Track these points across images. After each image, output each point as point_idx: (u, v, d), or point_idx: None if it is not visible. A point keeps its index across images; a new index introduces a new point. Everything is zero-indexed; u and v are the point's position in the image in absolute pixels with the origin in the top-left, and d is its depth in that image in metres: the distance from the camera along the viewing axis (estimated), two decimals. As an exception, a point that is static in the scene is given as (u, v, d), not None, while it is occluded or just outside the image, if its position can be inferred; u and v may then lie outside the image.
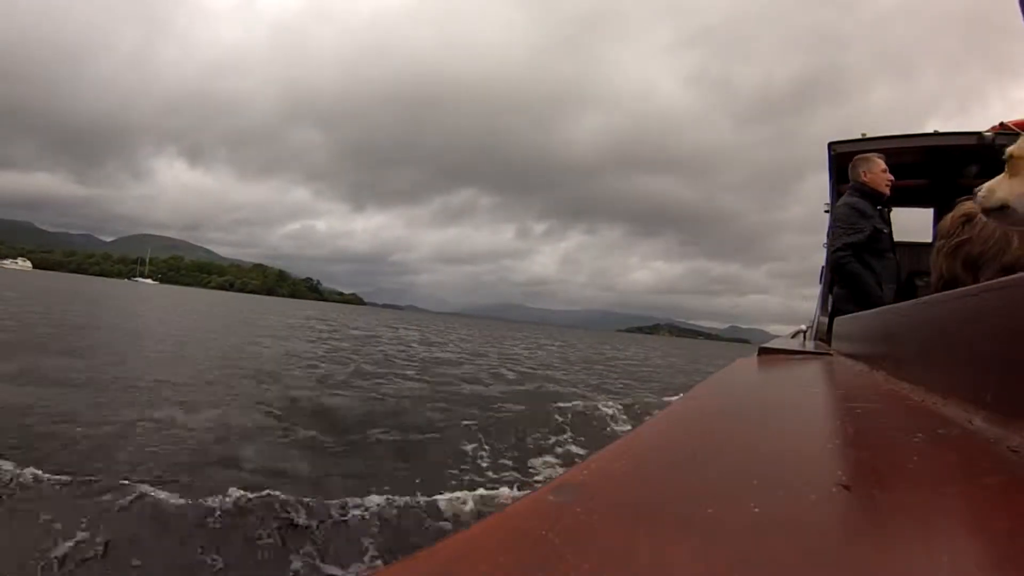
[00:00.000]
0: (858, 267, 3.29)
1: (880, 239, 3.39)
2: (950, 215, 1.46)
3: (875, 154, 3.50)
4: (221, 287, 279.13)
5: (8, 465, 3.48)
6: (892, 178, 3.41)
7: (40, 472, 3.47)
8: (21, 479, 3.35)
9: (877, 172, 3.43)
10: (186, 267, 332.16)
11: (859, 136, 4.01)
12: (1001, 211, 0.94)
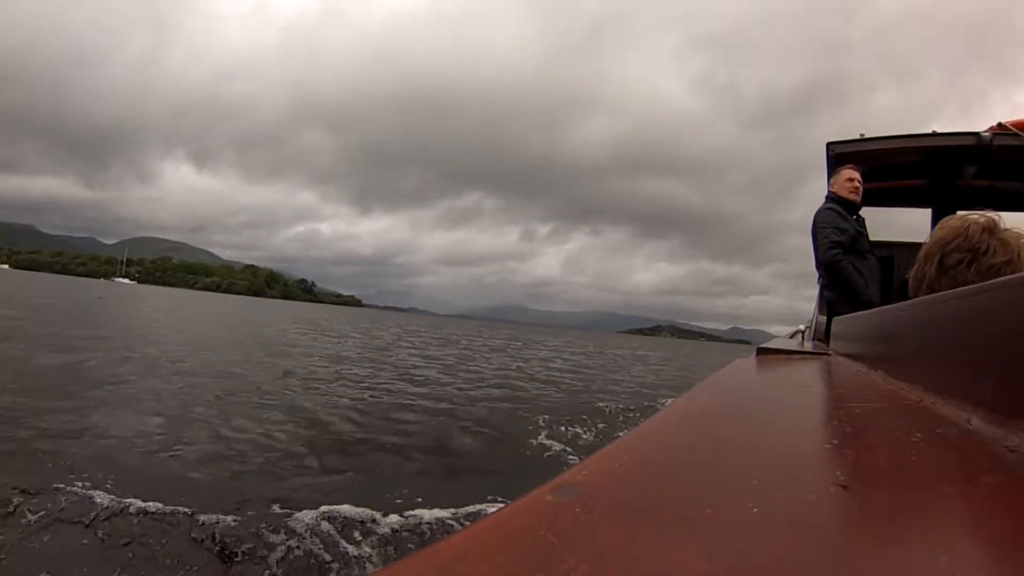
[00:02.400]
0: (850, 266, 3.39)
1: (860, 241, 3.52)
2: (960, 223, 1.33)
3: (847, 166, 3.64)
4: (207, 288, 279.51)
5: None
6: (857, 185, 3.54)
7: None
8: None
9: (841, 181, 3.59)
10: (173, 268, 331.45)
11: (858, 136, 4.06)
12: None
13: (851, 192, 3.53)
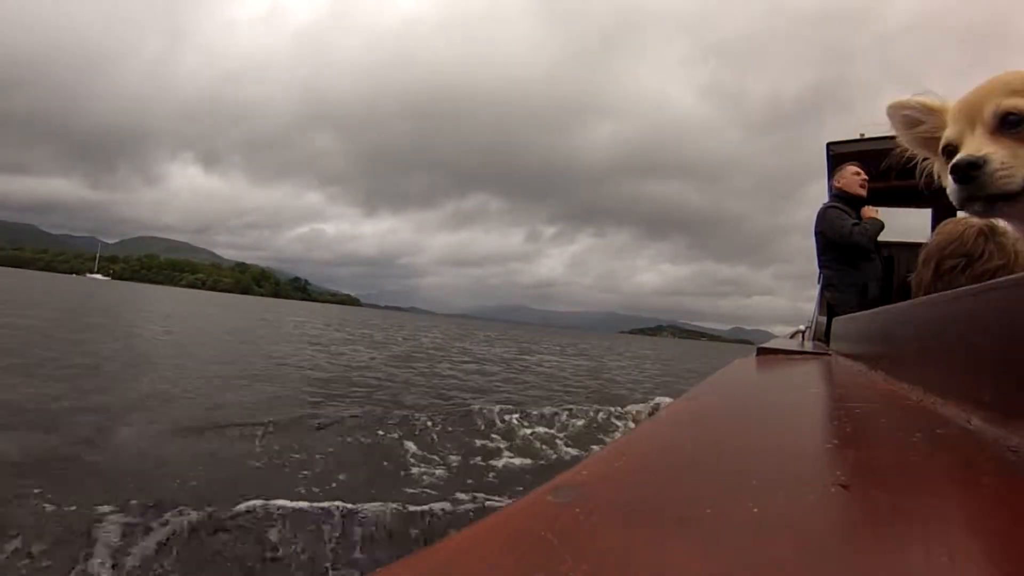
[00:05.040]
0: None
1: None
2: (957, 228, 1.34)
3: (850, 163, 3.68)
4: (192, 285, 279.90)
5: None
6: (865, 178, 3.59)
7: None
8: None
9: (848, 176, 3.63)
10: (159, 265, 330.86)
11: (858, 136, 4.09)
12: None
13: (859, 186, 3.57)
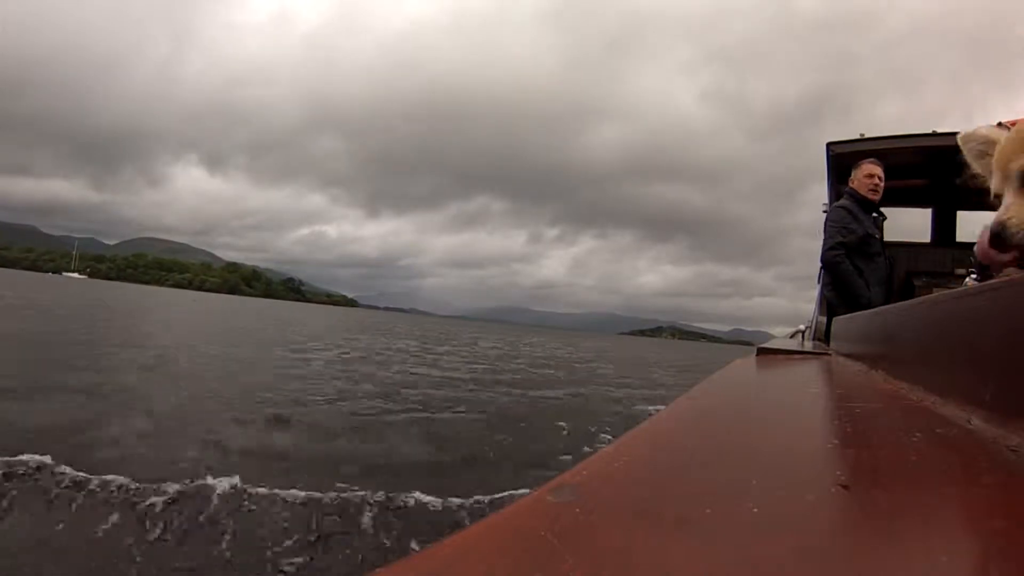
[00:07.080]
0: (850, 267, 3.42)
1: (870, 243, 3.53)
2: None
3: (869, 159, 3.63)
4: (178, 285, 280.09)
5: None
6: (877, 182, 3.54)
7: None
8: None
9: (860, 178, 3.59)
10: (146, 265, 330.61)
11: (858, 136, 4.10)
12: None
13: (870, 191, 3.53)
